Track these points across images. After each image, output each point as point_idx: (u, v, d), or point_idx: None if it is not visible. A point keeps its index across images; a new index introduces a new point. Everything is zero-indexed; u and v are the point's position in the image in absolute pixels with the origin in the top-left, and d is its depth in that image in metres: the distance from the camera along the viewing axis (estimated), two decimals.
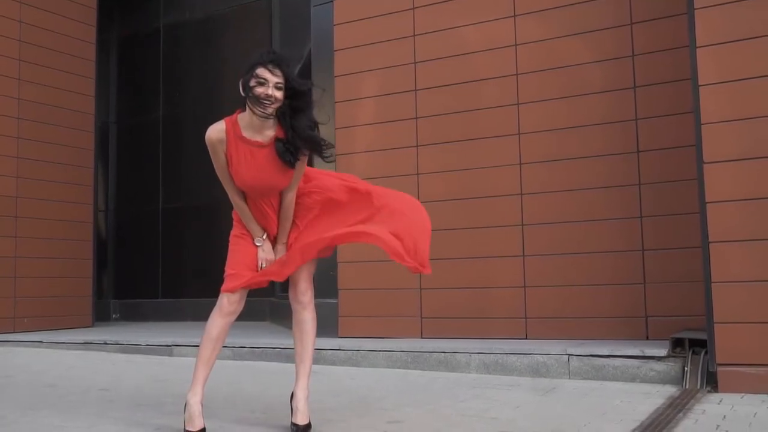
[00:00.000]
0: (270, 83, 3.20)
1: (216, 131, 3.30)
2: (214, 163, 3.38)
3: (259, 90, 3.20)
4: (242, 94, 3.26)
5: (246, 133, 3.30)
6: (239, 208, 3.46)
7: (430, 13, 6.53)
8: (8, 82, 8.82)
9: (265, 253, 3.48)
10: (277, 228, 3.51)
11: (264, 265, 3.47)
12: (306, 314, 3.53)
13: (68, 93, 9.51)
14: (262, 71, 3.21)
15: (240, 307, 3.45)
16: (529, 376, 5.08)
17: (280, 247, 3.51)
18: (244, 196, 3.45)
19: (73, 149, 9.51)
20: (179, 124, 11.56)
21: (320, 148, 3.35)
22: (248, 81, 3.22)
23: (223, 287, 3.43)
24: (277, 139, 3.30)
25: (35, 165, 9.03)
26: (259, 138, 3.31)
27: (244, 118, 3.31)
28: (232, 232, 3.56)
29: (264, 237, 3.48)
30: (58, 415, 3.95)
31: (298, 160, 3.33)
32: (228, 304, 3.40)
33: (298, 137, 3.28)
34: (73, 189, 9.49)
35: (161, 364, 6.21)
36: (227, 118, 3.34)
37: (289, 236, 3.52)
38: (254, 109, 3.23)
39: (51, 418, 3.87)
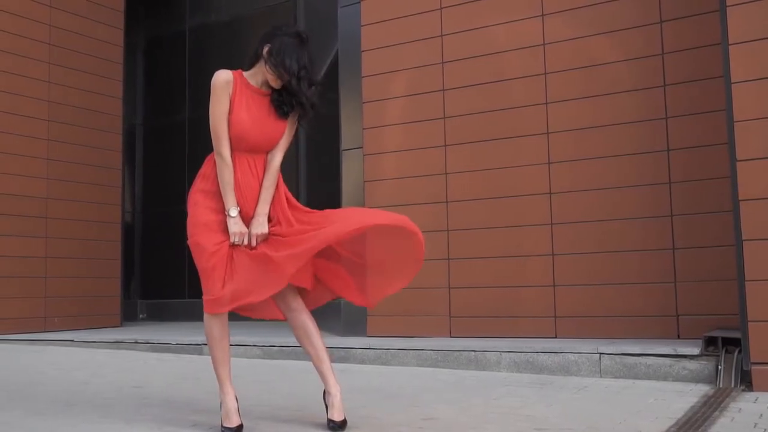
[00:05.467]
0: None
1: (226, 73, 3.40)
2: (212, 111, 3.41)
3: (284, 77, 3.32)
4: (265, 58, 3.36)
5: (251, 81, 3.45)
6: (225, 166, 3.35)
7: (458, 13, 6.54)
8: (39, 85, 8.95)
9: (239, 227, 3.32)
10: (256, 203, 3.39)
11: (237, 240, 3.32)
12: (303, 317, 3.49)
13: (97, 95, 9.63)
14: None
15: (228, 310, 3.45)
16: (560, 375, 5.07)
17: (261, 219, 3.35)
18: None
19: (101, 151, 9.63)
20: (205, 126, 11.59)
21: (309, 101, 3.36)
22: (283, 59, 3.31)
23: (208, 309, 3.42)
24: (273, 90, 3.41)
25: (65, 166, 9.16)
26: (262, 88, 3.44)
27: (250, 73, 3.46)
28: (204, 239, 3.35)
29: (239, 210, 3.34)
30: (94, 411, 4.00)
31: (292, 110, 3.40)
32: (218, 319, 3.48)
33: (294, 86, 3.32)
34: (102, 190, 9.62)
35: (192, 362, 6.26)
36: (233, 71, 3.46)
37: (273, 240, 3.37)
38: (272, 76, 3.35)
39: (89, 414, 3.92)
